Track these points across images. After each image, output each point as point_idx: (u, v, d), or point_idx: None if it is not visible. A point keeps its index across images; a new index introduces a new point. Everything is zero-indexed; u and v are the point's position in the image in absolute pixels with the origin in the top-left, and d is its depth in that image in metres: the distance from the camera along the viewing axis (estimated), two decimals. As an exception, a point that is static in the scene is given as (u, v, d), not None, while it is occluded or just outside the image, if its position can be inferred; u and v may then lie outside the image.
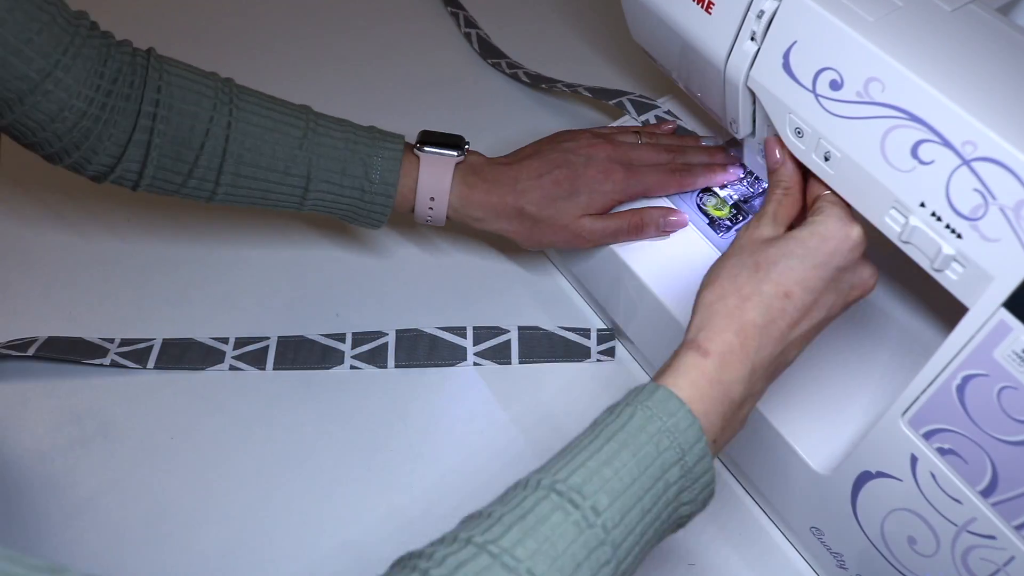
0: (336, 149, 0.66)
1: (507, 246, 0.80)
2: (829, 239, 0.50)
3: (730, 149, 0.73)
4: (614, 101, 0.78)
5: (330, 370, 0.71)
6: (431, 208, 0.68)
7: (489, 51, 0.94)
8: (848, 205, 0.52)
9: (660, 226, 0.68)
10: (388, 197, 0.67)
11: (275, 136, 0.64)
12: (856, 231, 0.50)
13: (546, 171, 0.67)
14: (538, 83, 0.88)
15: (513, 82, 0.92)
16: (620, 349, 0.74)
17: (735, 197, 0.70)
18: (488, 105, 0.90)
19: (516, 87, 0.92)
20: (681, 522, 0.47)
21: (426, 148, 0.67)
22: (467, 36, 0.95)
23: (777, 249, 0.50)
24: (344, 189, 0.66)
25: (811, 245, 0.50)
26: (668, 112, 0.76)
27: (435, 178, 0.67)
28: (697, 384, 0.47)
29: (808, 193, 0.55)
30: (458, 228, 0.81)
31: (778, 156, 0.56)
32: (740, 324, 0.48)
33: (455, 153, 0.68)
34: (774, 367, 0.50)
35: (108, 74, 0.60)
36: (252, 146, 0.64)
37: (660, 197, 0.70)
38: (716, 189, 0.71)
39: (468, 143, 0.69)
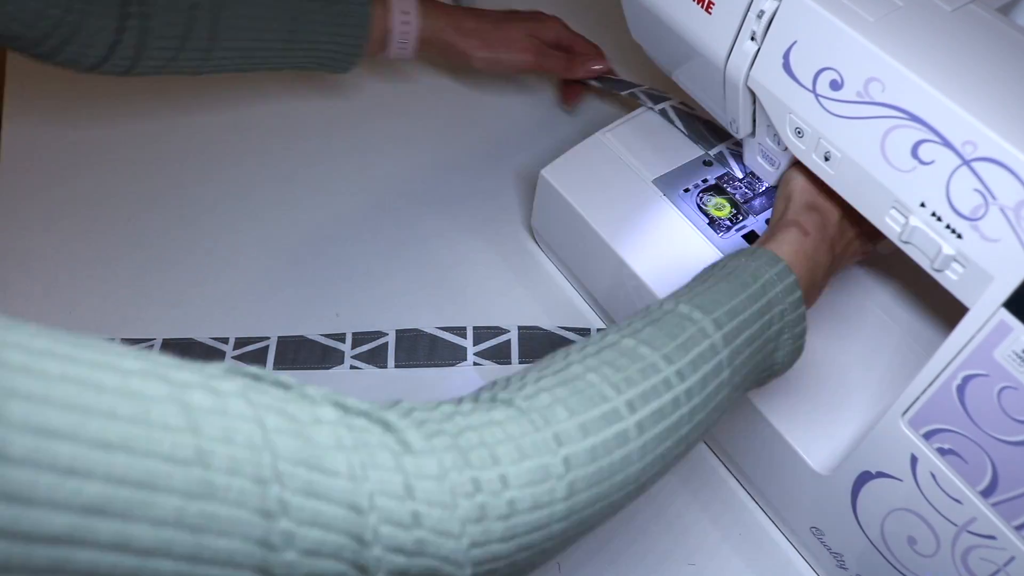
0: (314, 11, 0.72)
1: (507, 244, 0.80)
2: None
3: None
4: (627, 92, 0.81)
5: (330, 370, 0.71)
6: (403, 31, 0.77)
7: None
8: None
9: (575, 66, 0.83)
10: (364, 28, 0.74)
11: (258, 7, 0.70)
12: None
13: (497, 12, 0.83)
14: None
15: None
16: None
17: (735, 198, 0.71)
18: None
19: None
20: (774, 370, 0.53)
21: None
22: None
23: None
24: (323, 32, 0.73)
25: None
26: (682, 104, 0.77)
27: (403, 2, 0.77)
28: (796, 254, 0.53)
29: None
30: (442, 215, 0.81)
31: None
32: (827, 219, 0.56)
33: None
34: (838, 266, 0.58)
35: None
36: (238, 23, 0.69)
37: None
38: (715, 191, 0.71)
39: None
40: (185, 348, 0.71)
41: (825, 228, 0.56)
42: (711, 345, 0.46)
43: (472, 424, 0.38)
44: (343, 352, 0.72)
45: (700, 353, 0.45)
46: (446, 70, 0.94)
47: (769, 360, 0.51)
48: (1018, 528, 0.46)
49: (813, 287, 0.54)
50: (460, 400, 0.40)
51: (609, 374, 0.42)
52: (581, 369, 0.42)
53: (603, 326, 0.75)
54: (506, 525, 0.37)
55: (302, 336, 0.73)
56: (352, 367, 0.71)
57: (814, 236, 0.55)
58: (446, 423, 0.37)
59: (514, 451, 0.37)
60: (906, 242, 0.49)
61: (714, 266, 0.53)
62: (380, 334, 0.73)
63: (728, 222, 0.69)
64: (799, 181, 0.58)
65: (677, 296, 0.49)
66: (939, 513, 0.50)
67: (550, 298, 0.77)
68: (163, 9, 0.66)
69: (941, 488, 0.49)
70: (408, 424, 0.36)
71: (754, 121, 0.62)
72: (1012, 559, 0.47)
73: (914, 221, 0.47)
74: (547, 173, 0.73)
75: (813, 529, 0.60)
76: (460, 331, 0.73)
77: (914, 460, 0.50)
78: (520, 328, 0.74)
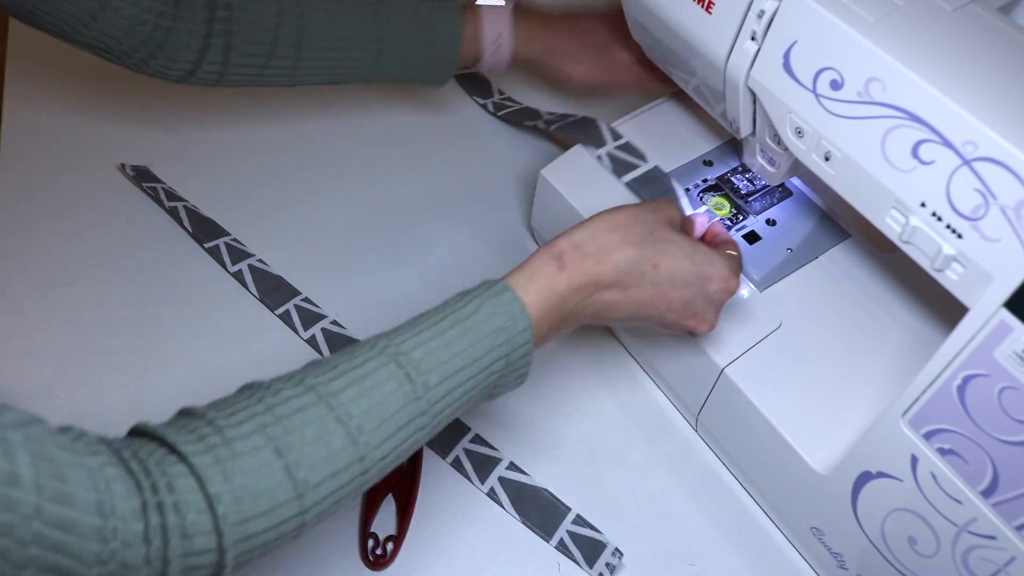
0: (401, 13, 0.72)
1: (506, 244, 0.80)
2: (716, 267, 0.56)
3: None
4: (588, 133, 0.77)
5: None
6: (495, 52, 0.75)
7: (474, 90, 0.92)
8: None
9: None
10: (454, 50, 0.74)
11: (343, 8, 0.70)
12: (735, 284, 0.57)
13: (597, 26, 0.79)
14: (520, 120, 0.87)
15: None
16: (619, 347, 0.74)
17: (735, 198, 0.71)
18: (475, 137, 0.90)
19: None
20: (493, 396, 0.54)
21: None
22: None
23: (675, 236, 0.55)
24: (412, 50, 0.73)
25: (700, 258, 0.55)
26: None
27: (497, 23, 0.75)
28: (542, 293, 0.52)
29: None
30: (433, 220, 0.81)
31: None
32: (606, 262, 0.53)
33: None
34: (603, 312, 0.55)
35: None
36: (324, 20, 0.69)
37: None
38: (714, 193, 0.71)
39: None
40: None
41: (596, 267, 0.53)
42: (418, 410, 0.48)
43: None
44: None
45: (400, 421, 0.47)
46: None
47: (486, 394, 0.52)
48: (1018, 528, 0.46)
49: (555, 327, 0.53)
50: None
51: (293, 442, 0.45)
52: (267, 424, 0.45)
53: (602, 326, 0.75)
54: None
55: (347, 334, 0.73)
56: None
57: (570, 276, 0.52)
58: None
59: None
60: (906, 242, 0.49)
61: (455, 302, 0.52)
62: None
63: (728, 222, 0.69)
64: (597, 218, 0.55)
65: (400, 339, 0.49)
66: (939, 513, 0.50)
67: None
68: (248, 25, 0.67)
69: (941, 488, 0.49)
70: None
71: (754, 121, 0.62)
72: (1012, 559, 0.47)
73: (914, 221, 0.47)
74: (547, 173, 0.73)
75: (813, 529, 0.60)
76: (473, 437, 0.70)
77: (914, 460, 0.50)
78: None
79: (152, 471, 0.42)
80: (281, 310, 0.74)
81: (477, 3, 0.75)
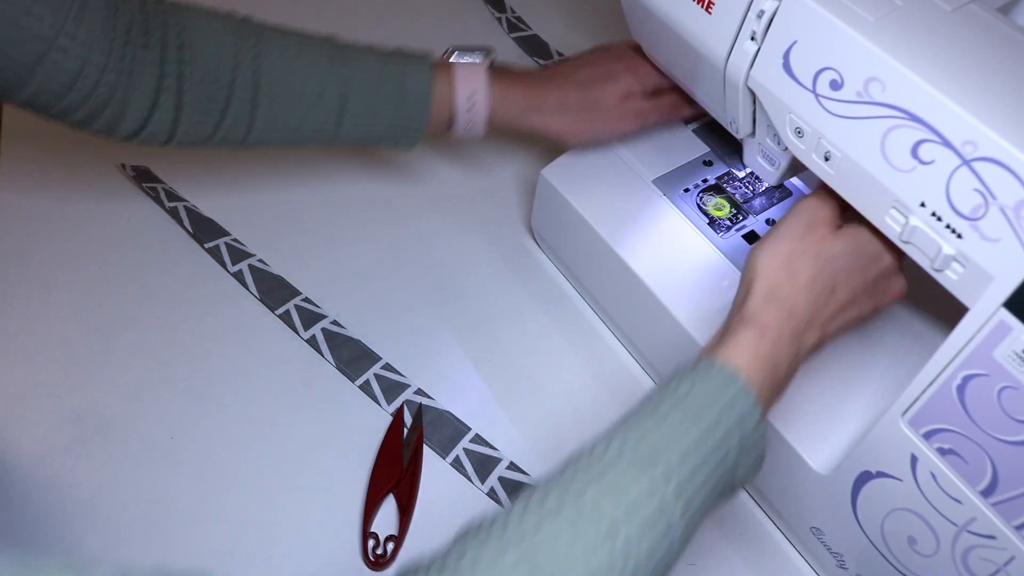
0: (368, 67, 0.66)
1: (506, 244, 0.80)
2: (875, 243, 0.53)
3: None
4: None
5: (334, 369, 0.71)
6: (470, 112, 0.68)
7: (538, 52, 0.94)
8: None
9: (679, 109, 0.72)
10: (425, 107, 0.67)
11: (304, 63, 0.64)
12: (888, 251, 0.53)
13: (579, 67, 0.71)
14: None
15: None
16: (620, 349, 0.74)
17: (735, 198, 0.71)
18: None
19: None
20: (733, 493, 0.49)
21: (455, 56, 0.69)
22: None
23: (837, 242, 0.52)
24: (379, 107, 0.66)
25: (863, 246, 0.53)
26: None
27: (471, 80, 0.68)
28: (754, 360, 0.49)
29: None
30: (438, 224, 0.81)
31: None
32: (792, 310, 0.51)
33: (484, 58, 0.70)
34: (812, 350, 0.53)
35: (120, 26, 0.59)
36: (283, 75, 0.64)
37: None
38: (715, 192, 0.71)
39: (495, 51, 0.70)
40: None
41: (788, 321, 0.50)
42: (660, 506, 0.43)
43: None
44: (368, 370, 0.71)
45: (648, 518, 0.43)
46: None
47: (727, 487, 0.48)
48: (1018, 528, 0.46)
49: (776, 391, 0.50)
50: None
51: (557, 551, 0.41)
52: (518, 554, 0.41)
53: (603, 326, 0.75)
54: None
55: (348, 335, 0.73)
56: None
57: (773, 334, 0.50)
58: None
59: None
60: (906, 242, 0.49)
61: (665, 388, 0.48)
62: (405, 385, 0.71)
63: (728, 222, 0.69)
64: (761, 265, 0.52)
65: (623, 435, 0.45)
66: (939, 513, 0.50)
67: (550, 298, 0.77)
68: (200, 81, 0.62)
69: (941, 488, 0.49)
70: None
71: (754, 121, 0.62)
72: (1012, 559, 0.47)
73: (914, 221, 0.47)
74: (547, 173, 0.73)
75: (813, 529, 0.60)
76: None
77: (914, 460, 0.50)
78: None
79: None
80: (281, 310, 0.74)
81: (451, 61, 0.69)
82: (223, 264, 0.76)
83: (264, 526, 0.64)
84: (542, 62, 0.93)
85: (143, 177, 0.81)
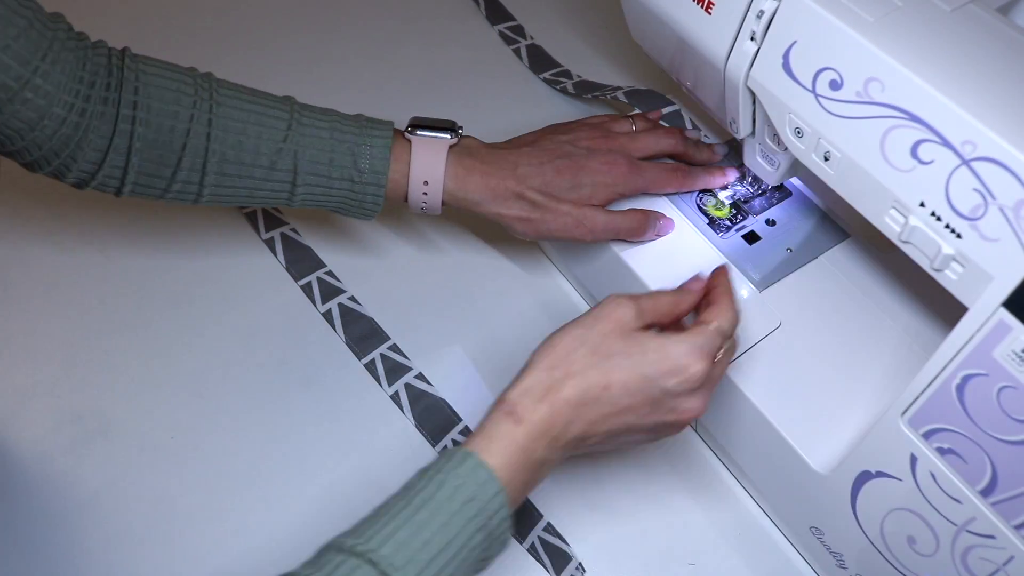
0: (322, 140, 0.63)
1: (507, 244, 0.80)
2: (669, 361, 0.51)
3: (729, 150, 0.73)
4: (668, 109, 0.77)
5: (334, 370, 0.71)
6: (425, 194, 0.65)
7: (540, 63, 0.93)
8: (718, 339, 0.53)
9: (656, 230, 0.68)
10: (379, 186, 0.64)
11: (258, 130, 0.62)
12: (698, 368, 0.51)
13: (547, 159, 0.66)
14: (583, 92, 0.87)
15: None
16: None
17: (735, 198, 0.71)
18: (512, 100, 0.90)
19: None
20: (483, 566, 0.50)
21: (417, 132, 0.65)
22: (515, 51, 0.94)
23: (621, 343, 0.51)
24: (333, 180, 0.64)
25: (650, 358, 0.51)
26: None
27: (428, 162, 0.64)
28: (506, 452, 0.49)
29: (700, 309, 0.55)
30: (456, 223, 0.81)
31: (704, 276, 0.57)
32: (556, 399, 0.50)
33: (448, 136, 0.66)
34: (576, 445, 0.52)
35: (87, 78, 0.58)
36: (235, 143, 0.62)
37: (659, 194, 0.70)
38: (716, 190, 0.71)
39: (461, 127, 0.67)
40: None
41: (549, 423, 0.50)
42: None
43: None
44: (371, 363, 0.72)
45: None
46: (445, 68, 0.94)
47: (475, 569, 0.49)
48: (1017, 528, 0.46)
49: (528, 485, 0.50)
50: None
51: None
52: None
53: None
54: None
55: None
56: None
57: (527, 427, 0.49)
58: None
59: None
60: (906, 242, 0.49)
61: (415, 479, 0.49)
62: (407, 368, 0.71)
63: (728, 222, 0.69)
64: (539, 357, 0.52)
65: (367, 535, 0.46)
66: (938, 513, 0.50)
67: (550, 298, 0.77)
68: (154, 129, 0.60)
69: (940, 488, 0.49)
70: None
71: (754, 121, 0.62)
72: (1011, 559, 0.47)
73: (914, 221, 0.47)
74: (547, 173, 0.73)
75: (813, 529, 0.60)
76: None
77: (914, 460, 0.50)
78: None
79: None
80: (304, 281, 0.75)
81: (410, 137, 0.65)
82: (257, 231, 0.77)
83: (264, 525, 0.64)
84: (546, 76, 0.92)
85: None
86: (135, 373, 0.70)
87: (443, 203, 0.66)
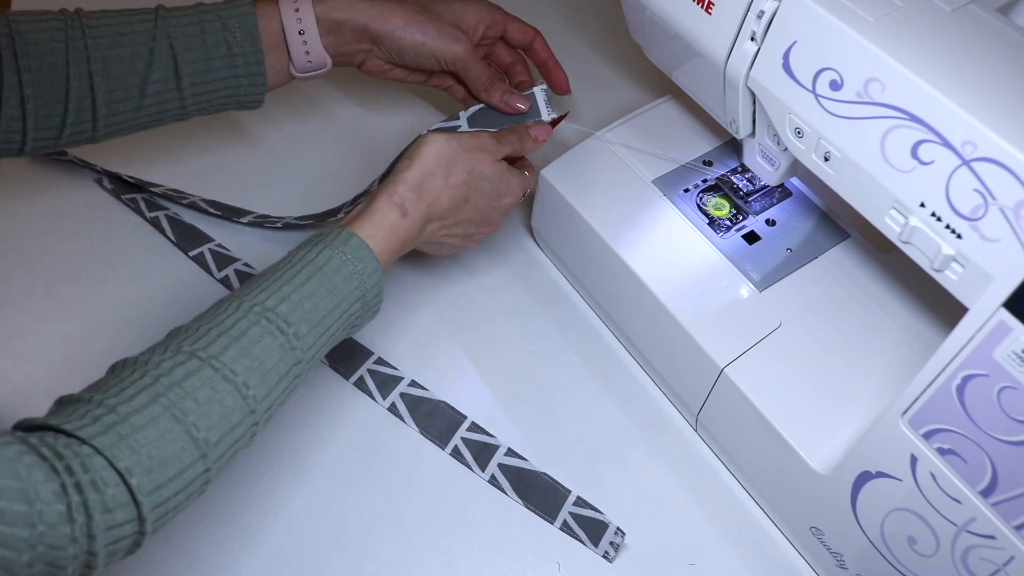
0: (191, 20, 0.64)
1: (507, 244, 0.80)
2: (514, 188, 0.67)
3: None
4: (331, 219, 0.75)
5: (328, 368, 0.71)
6: (303, 35, 0.66)
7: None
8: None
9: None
10: (255, 48, 0.65)
11: (129, 32, 0.63)
12: (519, 196, 0.69)
13: None
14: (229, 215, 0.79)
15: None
16: (620, 349, 0.74)
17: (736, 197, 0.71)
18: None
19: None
20: (355, 330, 0.60)
21: None
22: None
23: (492, 170, 0.65)
24: (212, 60, 0.65)
25: (503, 186, 0.66)
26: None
27: (294, 5, 0.66)
28: (389, 238, 0.60)
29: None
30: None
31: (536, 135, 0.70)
32: (436, 204, 0.62)
33: None
34: (430, 237, 0.65)
35: None
36: (111, 50, 0.63)
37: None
38: (714, 194, 0.71)
39: None
40: None
41: (426, 211, 0.61)
42: (294, 359, 0.53)
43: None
44: (359, 366, 0.72)
45: (281, 371, 0.53)
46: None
47: (347, 331, 0.59)
48: (1018, 528, 0.46)
49: (394, 261, 0.61)
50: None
51: (188, 406, 0.49)
52: (159, 395, 0.48)
53: (602, 326, 0.75)
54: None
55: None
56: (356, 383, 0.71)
57: (411, 219, 0.61)
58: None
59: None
60: (906, 242, 0.49)
61: (307, 253, 0.56)
62: (398, 379, 0.71)
63: (728, 222, 0.69)
64: (425, 153, 0.62)
65: (263, 296, 0.54)
66: (939, 513, 0.50)
67: (550, 298, 0.77)
68: (39, 86, 0.61)
69: (941, 488, 0.49)
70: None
71: (754, 121, 0.62)
72: (1012, 559, 0.47)
73: (914, 221, 0.47)
74: (547, 173, 0.73)
75: (813, 529, 0.60)
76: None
77: (914, 460, 0.50)
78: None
79: (64, 454, 0.43)
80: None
81: None
82: (208, 271, 0.76)
83: (263, 525, 0.64)
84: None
85: (121, 189, 0.80)
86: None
87: (328, 50, 0.69)
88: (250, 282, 0.55)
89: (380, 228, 0.59)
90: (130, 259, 0.77)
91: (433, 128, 0.69)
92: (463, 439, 0.68)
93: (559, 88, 0.77)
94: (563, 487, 0.66)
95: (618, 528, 0.64)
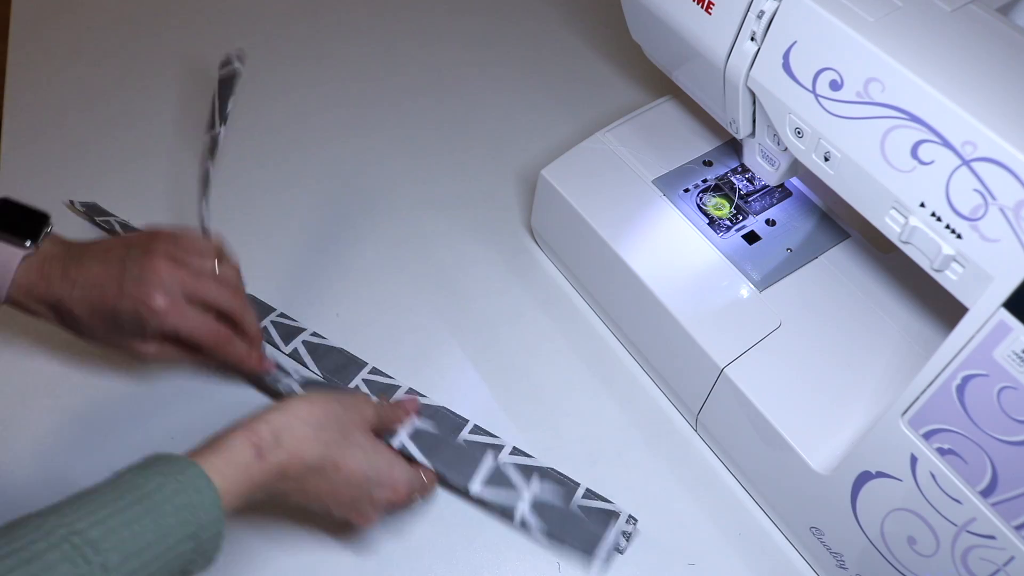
0: None
1: (506, 244, 0.80)
2: (391, 477, 0.58)
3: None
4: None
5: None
6: None
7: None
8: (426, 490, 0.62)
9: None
10: None
11: None
12: (402, 496, 0.58)
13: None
14: None
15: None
16: (620, 349, 0.74)
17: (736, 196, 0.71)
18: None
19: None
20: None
21: None
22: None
23: (364, 438, 0.57)
24: None
25: (379, 465, 0.57)
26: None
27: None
28: (237, 478, 0.50)
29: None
30: (458, 227, 0.81)
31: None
32: (297, 457, 0.53)
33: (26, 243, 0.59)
34: (284, 496, 0.55)
35: None
36: None
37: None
38: (714, 194, 0.71)
39: (51, 224, 0.60)
40: None
41: (283, 470, 0.52)
42: None
43: None
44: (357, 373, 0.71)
45: None
46: (445, 69, 0.94)
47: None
48: (1018, 528, 0.46)
49: (240, 509, 0.51)
50: None
51: None
52: None
53: (602, 326, 0.75)
54: None
55: (329, 344, 0.72)
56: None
57: (267, 466, 0.51)
58: None
59: None
60: (906, 242, 0.49)
61: (131, 474, 0.48)
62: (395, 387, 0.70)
63: (728, 222, 0.69)
64: (304, 401, 0.55)
65: (73, 516, 0.44)
66: (939, 513, 0.50)
67: (550, 298, 0.77)
68: None
69: (941, 488, 0.49)
70: None
71: (754, 121, 0.62)
72: (1012, 559, 0.47)
73: (914, 221, 0.47)
74: (547, 173, 0.73)
75: (813, 529, 0.60)
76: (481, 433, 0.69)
77: (914, 460, 0.50)
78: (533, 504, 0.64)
79: None
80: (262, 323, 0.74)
81: None
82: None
83: (263, 525, 0.64)
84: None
85: (94, 211, 0.79)
86: (136, 373, 0.70)
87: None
88: (67, 499, 0.46)
89: (229, 464, 0.50)
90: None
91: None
92: (466, 441, 0.67)
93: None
94: (571, 480, 0.65)
95: (630, 516, 0.64)
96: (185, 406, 0.69)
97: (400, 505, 0.59)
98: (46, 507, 0.46)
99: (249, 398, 0.70)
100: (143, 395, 0.69)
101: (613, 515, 0.64)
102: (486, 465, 0.64)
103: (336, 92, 0.91)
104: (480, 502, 0.64)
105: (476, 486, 0.63)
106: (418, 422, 0.65)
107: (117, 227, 0.78)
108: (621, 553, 0.63)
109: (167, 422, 0.68)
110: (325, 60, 0.94)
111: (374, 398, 0.63)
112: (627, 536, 0.63)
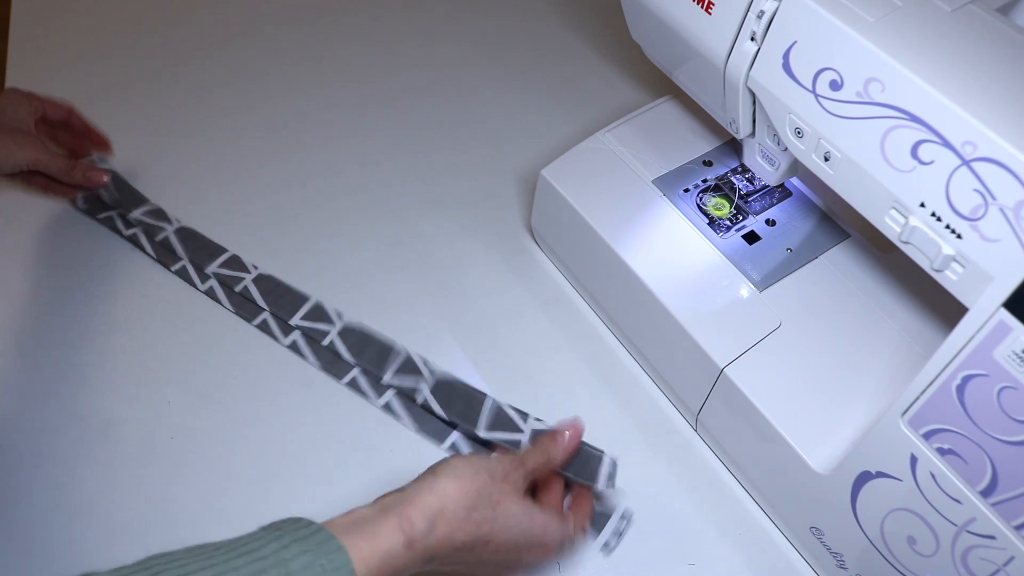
0: None
1: (506, 244, 0.80)
2: (543, 539, 0.55)
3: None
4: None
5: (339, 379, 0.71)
6: None
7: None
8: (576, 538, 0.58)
9: None
10: None
11: None
12: (554, 554, 0.56)
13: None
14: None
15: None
16: (620, 349, 0.74)
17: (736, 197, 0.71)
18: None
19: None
20: None
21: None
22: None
23: (520, 509, 0.54)
24: None
25: (532, 531, 0.54)
26: None
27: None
28: (382, 568, 0.47)
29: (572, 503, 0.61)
30: (458, 227, 0.81)
31: (568, 437, 0.59)
32: (448, 542, 0.50)
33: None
34: (437, 568, 0.52)
35: None
36: None
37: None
38: (714, 194, 0.71)
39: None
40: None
41: (435, 546, 0.49)
42: None
43: None
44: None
45: None
46: (445, 69, 0.94)
47: None
48: (1018, 528, 0.46)
49: None
50: None
51: None
52: None
53: (602, 326, 0.75)
54: None
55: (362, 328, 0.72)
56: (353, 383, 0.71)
57: (414, 553, 0.48)
58: None
59: None
60: (906, 242, 0.49)
61: (269, 539, 0.45)
62: (416, 384, 0.69)
63: (728, 222, 0.69)
64: (447, 484, 0.51)
65: (208, 566, 0.43)
66: (939, 513, 0.50)
67: (550, 298, 0.77)
68: None
69: (941, 488, 0.49)
70: None
71: (754, 121, 0.62)
72: (1012, 559, 0.47)
73: (914, 221, 0.47)
74: (547, 173, 0.73)
75: (813, 529, 0.60)
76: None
77: (914, 460, 0.50)
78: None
79: None
80: (257, 321, 0.74)
81: None
82: (191, 283, 0.76)
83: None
84: None
85: (95, 209, 0.79)
86: (135, 373, 0.70)
87: None
88: (199, 559, 0.44)
89: (375, 551, 0.47)
90: (111, 277, 0.76)
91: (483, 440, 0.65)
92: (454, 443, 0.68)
93: (102, 148, 0.79)
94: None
95: (623, 513, 0.65)
96: (185, 406, 0.69)
97: (550, 560, 0.58)
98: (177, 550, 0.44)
99: (249, 404, 0.70)
100: (143, 395, 0.69)
101: (603, 517, 0.64)
102: (488, 407, 0.66)
103: (336, 92, 0.91)
104: (487, 444, 0.66)
105: (482, 431, 0.65)
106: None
107: (119, 223, 0.78)
108: (610, 552, 0.63)
109: (167, 421, 0.68)
110: (325, 60, 0.94)
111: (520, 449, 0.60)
112: (619, 534, 0.63)
